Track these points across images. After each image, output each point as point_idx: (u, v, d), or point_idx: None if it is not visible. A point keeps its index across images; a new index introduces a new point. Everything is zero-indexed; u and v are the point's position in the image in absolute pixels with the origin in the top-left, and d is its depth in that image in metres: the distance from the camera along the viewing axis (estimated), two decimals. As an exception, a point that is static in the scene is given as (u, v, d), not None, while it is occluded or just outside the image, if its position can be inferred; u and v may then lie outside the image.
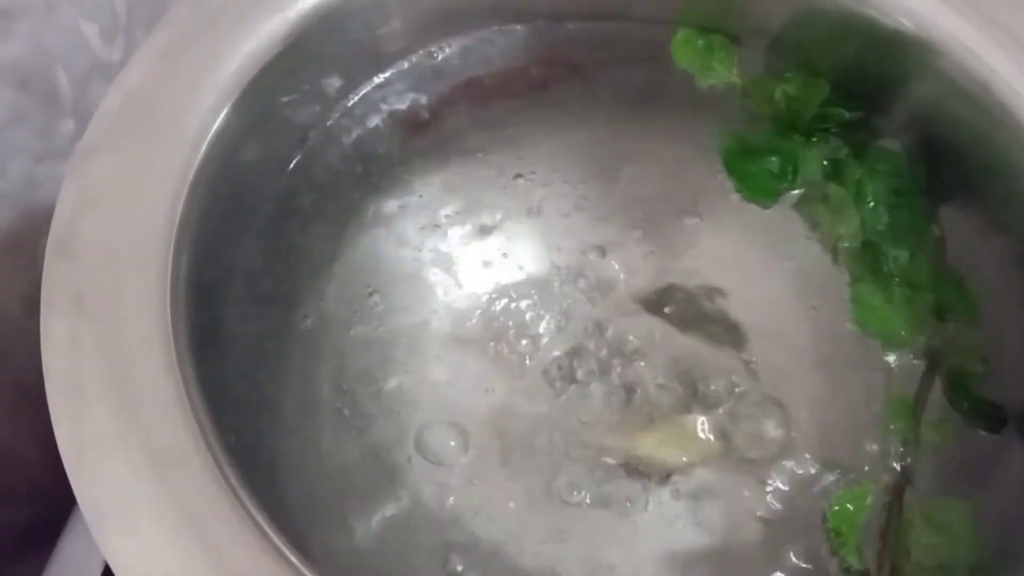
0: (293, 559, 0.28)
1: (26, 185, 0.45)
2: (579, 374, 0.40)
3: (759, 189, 0.42)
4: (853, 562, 0.35)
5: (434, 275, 0.42)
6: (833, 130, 0.43)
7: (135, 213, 0.32)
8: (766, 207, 0.43)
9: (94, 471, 0.28)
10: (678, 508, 0.38)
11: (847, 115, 0.42)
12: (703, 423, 0.40)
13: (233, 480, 0.29)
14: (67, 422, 0.29)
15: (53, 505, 0.39)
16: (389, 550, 0.37)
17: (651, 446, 0.39)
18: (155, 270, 0.31)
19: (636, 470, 0.39)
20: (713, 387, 0.40)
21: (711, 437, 0.39)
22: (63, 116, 0.46)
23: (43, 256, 0.31)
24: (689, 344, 0.41)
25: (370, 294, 0.41)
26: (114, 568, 0.26)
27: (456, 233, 0.43)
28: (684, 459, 0.39)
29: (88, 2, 0.46)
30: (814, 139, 0.43)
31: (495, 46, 0.44)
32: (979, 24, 0.37)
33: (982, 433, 0.38)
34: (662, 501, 0.38)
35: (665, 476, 0.39)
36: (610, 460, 0.39)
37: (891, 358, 0.40)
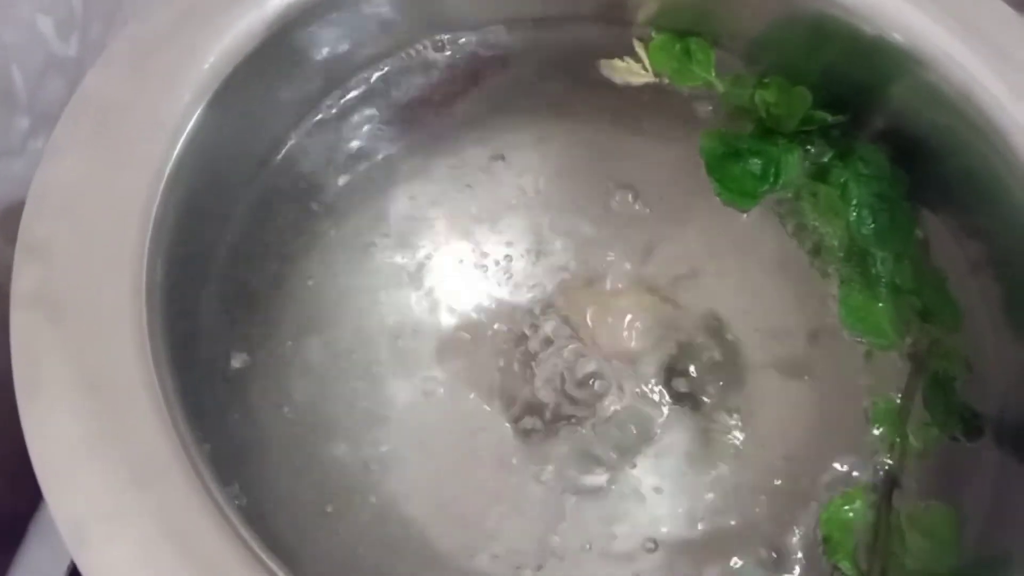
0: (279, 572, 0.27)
1: (-22, 183, 0.43)
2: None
3: (740, 191, 0.42)
4: (847, 567, 0.35)
5: (413, 273, 0.41)
6: (816, 133, 0.43)
7: (109, 214, 0.31)
8: (744, 211, 0.42)
9: (70, 484, 0.27)
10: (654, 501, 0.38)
11: (829, 119, 0.42)
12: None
13: (216, 492, 0.28)
14: (40, 433, 0.27)
15: (11, 514, 0.37)
16: (370, 554, 0.36)
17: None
18: (130, 273, 0.30)
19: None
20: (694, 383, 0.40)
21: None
22: (17, 113, 0.44)
23: (-3, 255, 0.30)
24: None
25: (347, 294, 0.40)
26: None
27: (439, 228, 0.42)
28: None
29: (44, -5, 0.44)
30: (796, 142, 0.43)
31: (492, 43, 0.44)
32: (960, 33, 0.38)
33: (960, 439, 0.38)
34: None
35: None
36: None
37: (877, 360, 0.40)
